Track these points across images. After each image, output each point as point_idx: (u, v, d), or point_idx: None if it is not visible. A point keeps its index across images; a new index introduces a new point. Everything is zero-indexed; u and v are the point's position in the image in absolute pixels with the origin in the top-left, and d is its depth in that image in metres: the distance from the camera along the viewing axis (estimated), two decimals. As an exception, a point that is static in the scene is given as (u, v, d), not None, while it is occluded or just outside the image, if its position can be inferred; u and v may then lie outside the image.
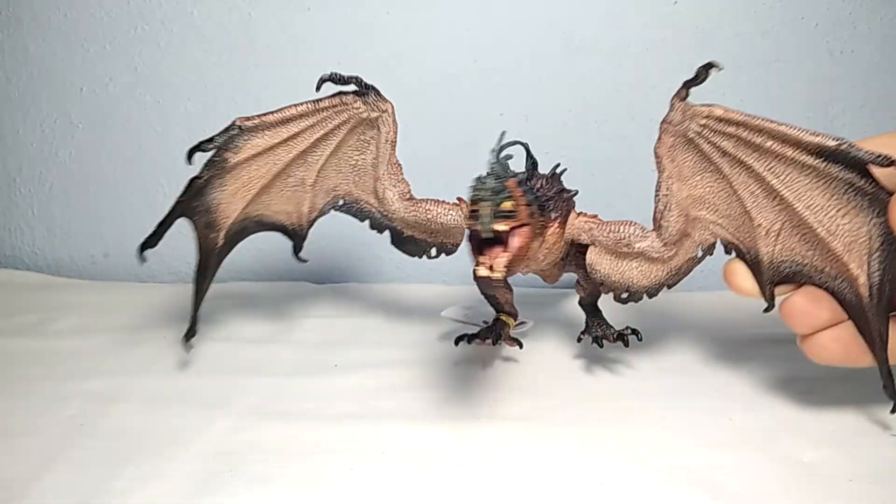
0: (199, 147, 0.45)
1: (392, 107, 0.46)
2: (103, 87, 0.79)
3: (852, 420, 0.41)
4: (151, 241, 0.46)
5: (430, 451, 0.39)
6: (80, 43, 0.79)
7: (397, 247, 0.51)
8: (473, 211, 0.36)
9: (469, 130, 0.78)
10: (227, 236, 0.49)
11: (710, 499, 0.35)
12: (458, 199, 0.49)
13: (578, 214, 0.47)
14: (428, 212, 0.48)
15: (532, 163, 0.47)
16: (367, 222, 0.51)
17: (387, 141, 0.47)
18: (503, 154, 0.39)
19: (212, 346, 0.55)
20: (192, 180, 0.46)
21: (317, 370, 0.51)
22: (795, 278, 0.42)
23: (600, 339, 0.49)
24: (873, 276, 0.38)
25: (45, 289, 0.74)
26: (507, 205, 0.36)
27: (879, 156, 0.36)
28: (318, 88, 0.45)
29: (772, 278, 0.42)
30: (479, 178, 0.37)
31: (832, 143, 0.37)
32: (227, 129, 0.46)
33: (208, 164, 0.46)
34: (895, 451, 0.39)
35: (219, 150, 0.46)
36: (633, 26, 0.74)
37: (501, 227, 0.36)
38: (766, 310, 0.43)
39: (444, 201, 0.49)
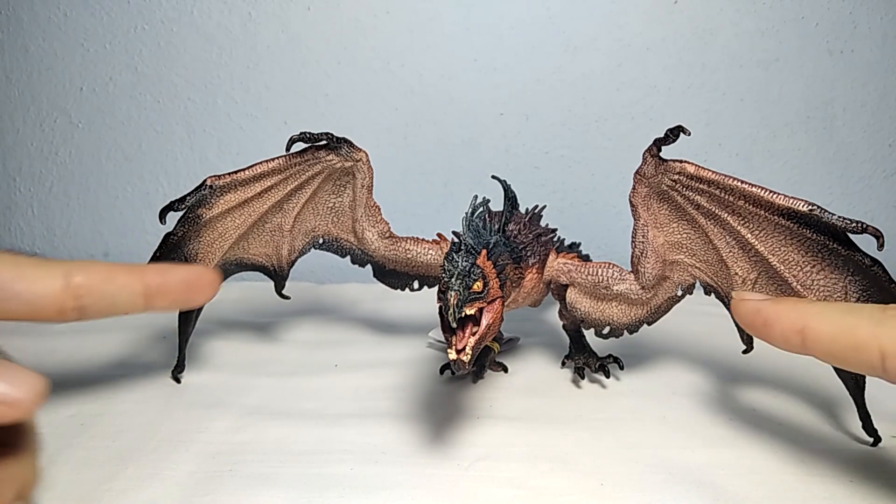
0: (170, 207, 0.45)
1: (366, 155, 0.46)
2: (103, 87, 0.80)
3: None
4: None
5: (430, 451, 0.39)
6: (80, 42, 0.79)
7: (380, 279, 0.52)
8: (443, 291, 0.35)
9: (469, 130, 0.78)
10: None
11: (710, 499, 0.35)
12: (438, 235, 0.49)
13: (558, 255, 0.47)
14: (408, 251, 0.49)
15: (511, 203, 0.46)
16: (347, 258, 0.51)
17: (363, 186, 0.48)
18: (476, 214, 0.39)
19: (212, 346, 0.55)
20: (167, 236, 0.46)
21: (317, 370, 0.51)
22: None
23: (582, 369, 0.49)
24: None
25: (45, 288, 0.74)
26: (476, 286, 0.36)
27: (853, 222, 0.36)
28: (288, 148, 0.44)
29: None
30: (449, 257, 0.36)
31: (804, 208, 0.37)
32: (197, 189, 0.45)
33: (182, 221, 0.46)
34: (895, 451, 0.39)
35: (191, 207, 0.45)
36: (633, 26, 0.74)
37: (470, 311, 0.35)
38: (745, 352, 0.43)
39: (423, 240, 0.49)
